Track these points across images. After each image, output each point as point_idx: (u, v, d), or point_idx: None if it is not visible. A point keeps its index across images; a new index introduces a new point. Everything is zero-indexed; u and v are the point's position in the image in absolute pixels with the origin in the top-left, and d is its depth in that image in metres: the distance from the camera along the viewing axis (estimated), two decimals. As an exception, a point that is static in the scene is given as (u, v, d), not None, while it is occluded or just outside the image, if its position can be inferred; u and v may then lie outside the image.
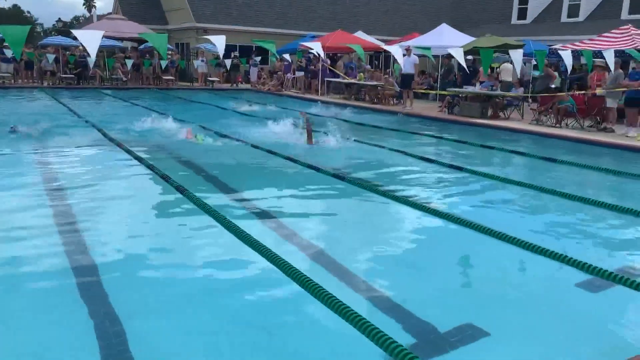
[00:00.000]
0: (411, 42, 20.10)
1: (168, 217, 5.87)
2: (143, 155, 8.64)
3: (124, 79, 24.16)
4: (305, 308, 3.79)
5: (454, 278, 4.49)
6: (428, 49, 18.16)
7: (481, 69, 18.42)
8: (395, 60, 19.65)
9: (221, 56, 22.92)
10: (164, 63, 24.15)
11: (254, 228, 5.33)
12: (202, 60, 25.88)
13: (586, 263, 4.56)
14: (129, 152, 9.00)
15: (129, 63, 24.08)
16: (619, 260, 4.91)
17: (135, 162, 8.33)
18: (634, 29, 15.61)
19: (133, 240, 5.07)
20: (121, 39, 26.26)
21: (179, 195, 6.42)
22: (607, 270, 4.43)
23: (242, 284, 4.19)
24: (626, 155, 10.64)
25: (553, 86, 15.14)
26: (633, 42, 14.67)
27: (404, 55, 18.01)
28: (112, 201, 6.31)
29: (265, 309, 3.78)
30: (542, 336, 3.55)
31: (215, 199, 6.37)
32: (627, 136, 12.27)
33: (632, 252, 5.19)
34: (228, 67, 25.49)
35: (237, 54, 26.69)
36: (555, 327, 3.67)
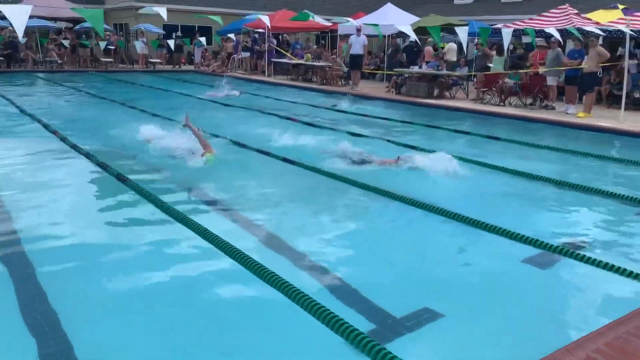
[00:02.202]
0: (359, 21, 19.98)
1: (109, 208, 5.58)
2: (80, 144, 8.20)
3: (59, 61, 23.00)
4: (260, 296, 3.67)
5: (406, 260, 4.47)
6: (376, 25, 18.05)
7: (426, 48, 18.58)
8: (340, 39, 19.56)
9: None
10: (102, 44, 23.11)
11: (203, 216, 5.14)
12: (143, 41, 24.93)
13: (533, 238, 4.64)
14: (63, 140, 8.54)
15: (65, 44, 22.91)
16: (564, 234, 5.01)
17: (73, 151, 7.90)
18: (571, 8, 16.07)
19: (72, 235, 4.77)
20: (54, 19, 24.93)
21: (122, 185, 6.13)
22: (553, 245, 4.51)
23: (190, 273, 4.02)
24: (566, 132, 10.98)
25: (491, 65, 15.43)
26: (570, 21, 15.10)
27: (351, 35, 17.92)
28: (48, 192, 5.93)
29: (217, 299, 3.64)
30: (494, 313, 3.58)
31: (159, 187, 6.12)
32: (567, 113, 12.67)
33: (576, 225, 5.34)
34: (174, 48, 24.68)
35: (180, 34, 25.88)
36: (507, 303, 3.71)
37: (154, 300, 3.61)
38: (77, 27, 25.33)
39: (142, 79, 20.30)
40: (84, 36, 24.27)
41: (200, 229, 4.65)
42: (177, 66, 25.34)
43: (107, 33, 25.05)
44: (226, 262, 4.13)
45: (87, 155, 7.45)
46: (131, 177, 6.29)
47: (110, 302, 3.57)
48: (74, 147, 8.00)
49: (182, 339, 3.15)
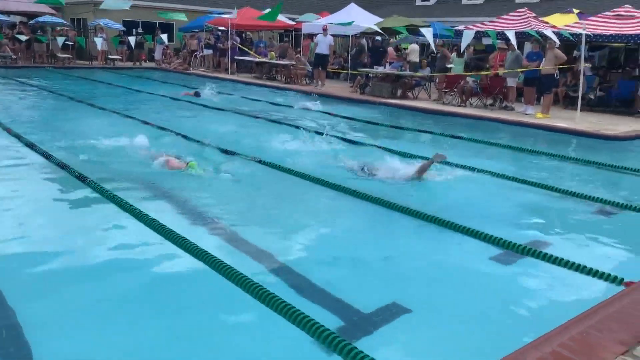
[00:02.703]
0: (325, 21, 19.99)
1: (67, 207, 5.43)
2: (36, 142, 7.94)
3: (13, 56, 22.19)
4: (228, 297, 3.62)
5: (372, 257, 4.49)
6: (349, 23, 17.99)
7: (390, 49, 18.76)
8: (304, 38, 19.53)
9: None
10: (60, 40, 22.40)
11: (165, 216, 5.05)
12: (103, 37, 24.28)
13: (496, 237, 4.74)
14: (18, 137, 8.25)
15: (20, 39, 22.08)
16: (526, 232, 5.13)
17: (28, 149, 7.64)
18: (529, 11, 16.53)
19: (26, 235, 4.62)
20: (8, 13, 24.04)
21: (80, 184, 5.96)
22: (516, 243, 4.62)
23: (157, 274, 3.94)
24: (525, 132, 11.27)
25: (449, 66, 15.70)
26: (529, 24, 15.52)
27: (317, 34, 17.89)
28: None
29: (184, 301, 3.58)
30: (461, 310, 3.64)
31: (119, 186, 5.98)
32: (526, 114, 13.01)
33: (537, 224, 5.48)
34: (133, 45, 24.11)
35: (141, 31, 25.34)
36: (473, 300, 3.78)
37: (115, 302, 3.53)
38: (33, 21, 24.49)
39: (102, 76, 19.81)
40: (39, 31, 23.49)
41: (165, 230, 4.56)
42: (137, 63, 24.79)
43: (65, 28, 24.33)
44: (190, 263, 4.06)
45: (45, 155, 7.20)
46: (91, 176, 6.11)
47: (70, 304, 3.47)
48: (30, 145, 7.74)
49: (150, 346, 3.09)
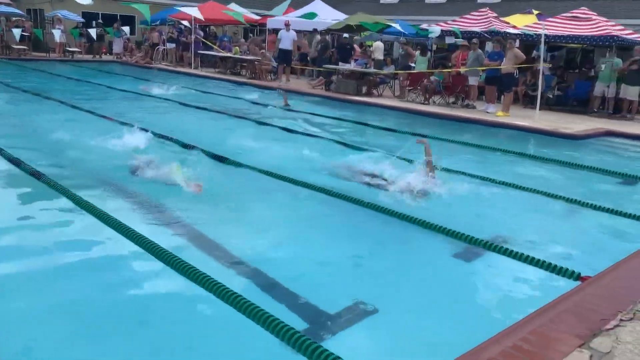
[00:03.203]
0: (289, 16, 19.92)
1: (23, 207, 5.26)
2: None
3: (-36, 47, 21.36)
4: (192, 299, 3.58)
5: (335, 254, 4.51)
6: (312, 15, 17.90)
7: (356, 46, 18.81)
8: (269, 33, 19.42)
9: None
10: (17, 32, 21.63)
11: (126, 215, 4.95)
12: (61, 29, 23.55)
13: (459, 232, 4.82)
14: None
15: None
16: (488, 228, 5.24)
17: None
18: (490, 11, 16.88)
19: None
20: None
21: (35, 181, 5.78)
22: (478, 238, 4.71)
23: (117, 276, 3.86)
24: (487, 130, 11.50)
25: (413, 65, 15.89)
26: (490, 24, 15.84)
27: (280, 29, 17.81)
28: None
29: (146, 303, 3.52)
30: (426, 306, 3.69)
31: (77, 183, 5.83)
32: (487, 112, 13.27)
33: (498, 220, 5.60)
34: (94, 37, 23.49)
35: (101, 22, 24.70)
36: (435, 296, 3.84)
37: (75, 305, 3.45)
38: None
39: (60, 69, 19.23)
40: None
41: (126, 229, 4.48)
42: (97, 56, 24.18)
43: (21, 19, 23.52)
44: (154, 264, 3.99)
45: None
46: (47, 172, 5.93)
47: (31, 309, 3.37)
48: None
49: (113, 346, 3.03)
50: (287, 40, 17.65)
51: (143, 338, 3.13)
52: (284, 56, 17.98)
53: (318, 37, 19.38)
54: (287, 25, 17.78)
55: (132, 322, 3.28)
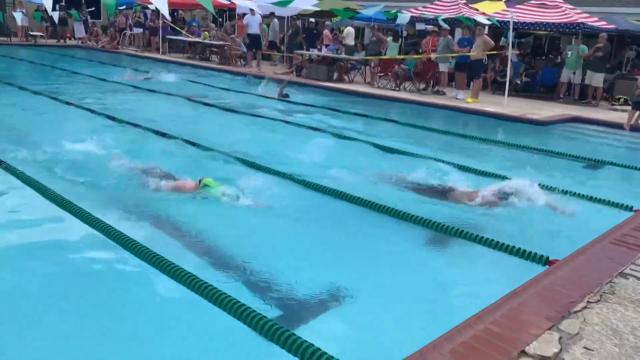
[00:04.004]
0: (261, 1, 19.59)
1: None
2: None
3: None
4: (163, 290, 3.52)
5: (310, 245, 4.49)
6: (287, 2, 17.65)
7: (325, 31, 18.71)
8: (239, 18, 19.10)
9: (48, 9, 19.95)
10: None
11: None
12: (23, 12, 22.73)
13: (429, 219, 4.85)
14: None
15: None
16: (457, 215, 5.30)
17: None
18: (460, -3, 16.97)
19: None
20: None
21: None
22: (447, 225, 4.75)
23: (92, 269, 3.78)
24: (456, 116, 11.61)
25: (383, 50, 15.88)
26: (460, 11, 15.92)
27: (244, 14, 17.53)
28: None
29: (119, 295, 3.45)
30: (396, 293, 3.72)
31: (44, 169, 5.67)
32: (456, 98, 13.39)
33: (468, 206, 5.66)
34: (58, 21, 22.74)
35: (64, 5, 23.93)
36: (407, 282, 3.87)
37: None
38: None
39: (23, 54, 18.63)
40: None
41: (98, 223, 4.38)
42: (61, 40, 23.46)
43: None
44: (122, 256, 3.91)
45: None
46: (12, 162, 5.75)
47: None
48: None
49: (88, 341, 2.97)
50: (254, 25, 17.43)
51: (119, 330, 3.07)
52: (254, 41, 17.75)
53: (275, 20, 19.17)
54: (251, 10, 17.54)
55: (97, 314, 3.21)
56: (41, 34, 23.26)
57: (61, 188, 5.02)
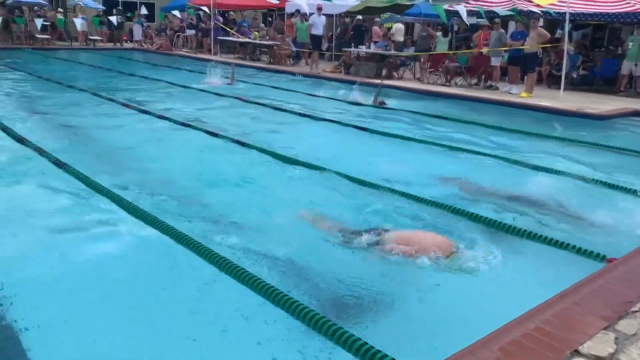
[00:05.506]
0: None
1: (51, 199, 5.34)
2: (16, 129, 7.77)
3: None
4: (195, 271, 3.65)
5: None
6: None
7: (374, 28, 18.60)
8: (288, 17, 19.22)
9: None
10: (38, 22, 21.89)
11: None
12: (83, 18, 23.76)
13: (482, 216, 4.76)
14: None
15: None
16: (512, 210, 5.17)
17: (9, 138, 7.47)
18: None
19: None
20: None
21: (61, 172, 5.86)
22: (501, 222, 4.65)
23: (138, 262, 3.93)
24: (510, 111, 11.30)
25: (433, 45, 15.61)
26: (513, 3, 15.48)
27: (311, 14, 17.63)
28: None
29: (167, 288, 3.57)
30: (455, 285, 3.67)
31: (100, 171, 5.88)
32: (510, 93, 13.04)
33: (524, 202, 5.51)
34: (116, 25, 23.65)
35: (121, 9, 24.86)
36: (459, 278, 3.81)
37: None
38: (9, 2, 23.89)
39: (84, 58, 19.43)
40: (16, 11, 22.93)
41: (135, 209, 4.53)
42: (118, 44, 24.37)
43: (43, 9, 23.81)
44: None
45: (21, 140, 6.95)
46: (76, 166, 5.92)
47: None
48: (22, 139, 7.12)
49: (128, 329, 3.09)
50: (320, 25, 17.50)
51: (169, 321, 3.18)
52: (315, 41, 17.73)
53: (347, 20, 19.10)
54: (319, 9, 17.54)
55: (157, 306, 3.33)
56: (100, 38, 24.22)
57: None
